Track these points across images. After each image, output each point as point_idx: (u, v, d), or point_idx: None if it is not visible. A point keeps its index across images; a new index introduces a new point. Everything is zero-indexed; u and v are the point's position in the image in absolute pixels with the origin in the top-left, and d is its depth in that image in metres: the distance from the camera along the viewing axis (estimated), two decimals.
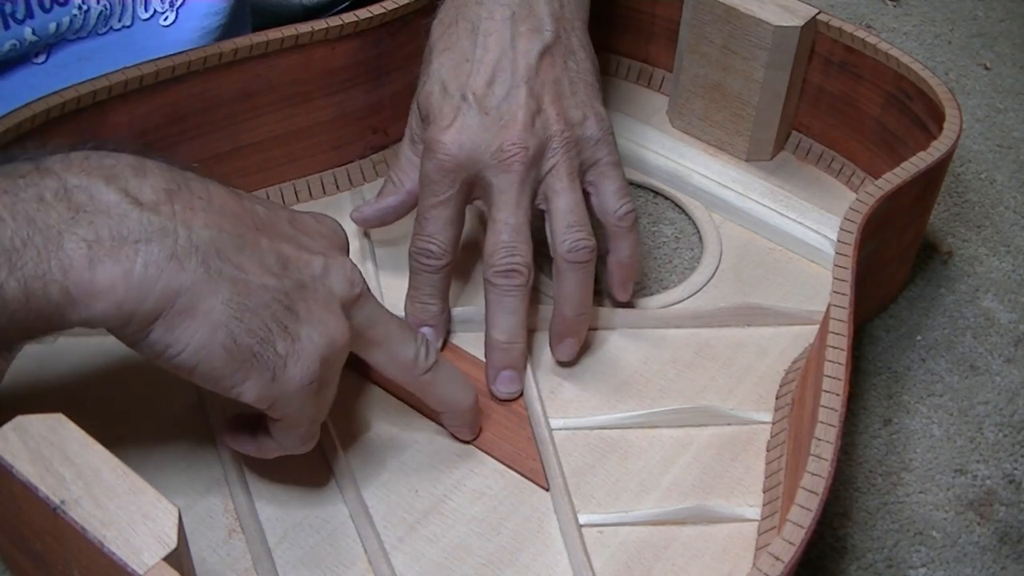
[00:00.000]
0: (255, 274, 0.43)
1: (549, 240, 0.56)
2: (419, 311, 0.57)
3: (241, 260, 0.43)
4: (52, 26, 0.58)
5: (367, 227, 0.62)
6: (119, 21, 0.61)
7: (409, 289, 0.57)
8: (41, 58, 0.60)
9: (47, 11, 0.58)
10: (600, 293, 0.61)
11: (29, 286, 0.39)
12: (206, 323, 0.42)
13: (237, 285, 0.42)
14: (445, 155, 0.54)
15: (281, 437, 0.48)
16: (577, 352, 0.58)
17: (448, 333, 0.59)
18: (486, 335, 0.56)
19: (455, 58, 0.56)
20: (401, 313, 0.58)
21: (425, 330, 0.57)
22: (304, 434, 0.48)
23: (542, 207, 0.56)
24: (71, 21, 0.59)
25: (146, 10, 0.62)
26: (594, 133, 0.56)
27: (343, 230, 0.50)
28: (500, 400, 0.56)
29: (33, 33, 0.58)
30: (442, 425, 0.54)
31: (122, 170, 0.42)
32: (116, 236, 0.40)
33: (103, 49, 0.61)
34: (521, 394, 0.56)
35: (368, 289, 0.48)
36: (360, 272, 0.48)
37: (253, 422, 0.49)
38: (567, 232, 0.55)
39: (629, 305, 0.61)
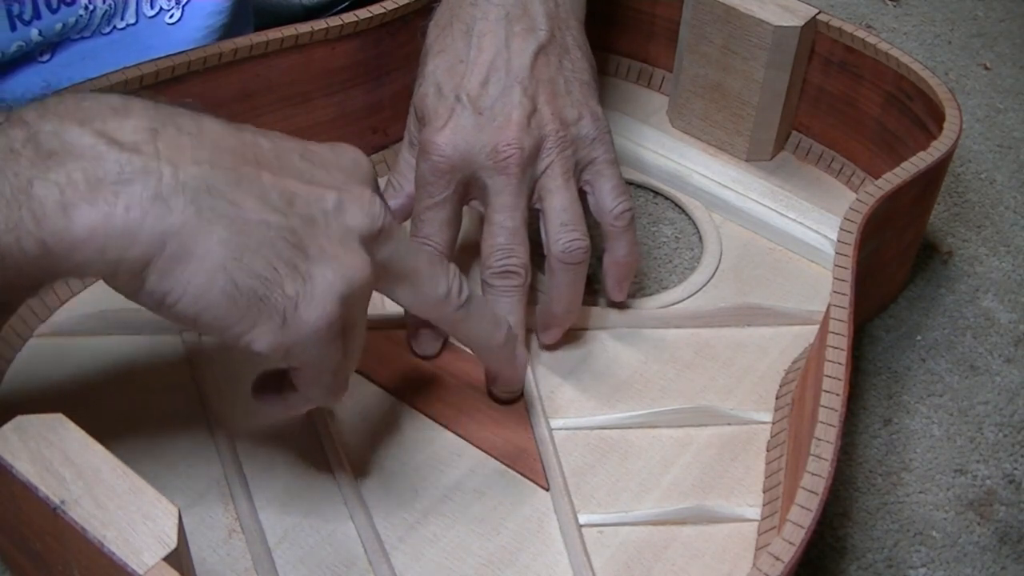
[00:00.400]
0: (254, 211, 0.40)
1: (543, 239, 0.56)
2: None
3: (237, 196, 0.39)
4: (58, 26, 0.58)
5: None
6: (123, 19, 0.61)
7: None
8: (46, 57, 0.60)
9: (54, 11, 0.58)
10: (595, 292, 0.61)
11: (1, 240, 0.36)
12: (202, 267, 0.38)
13: (234, 224, 0.39)
14: (439, 156, 0.54)
15: (306, 389, 0.44)
16: (559, 337, 0.58)
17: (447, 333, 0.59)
18: None
19: (449, 59, 0.56)
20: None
21: (425, 331, 0.57)
22: (331, 384, 0.44)
23: (537, 206, 0.56)
24: (77, 20, 0.58)
25: (151, 7, 0.62)
26: (590, 132, 0.56)
27: (368, 162, 0.46)
28: (503, 402, 0.56)
29: (39, 34, 0.58)
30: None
31: (100, 111, 0.39)
32: (92, 180, 0.37)
33: (108, 47, 0.61)
34: (521, 395, 0.56)
35: (393, 222, 0.44)
36: (384, 204, 0.44)
37: (280, 378, 0.46)
38: (561, 232, 0.55)
39: (624, 305, 0.61)
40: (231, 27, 0.65)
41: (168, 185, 0.38)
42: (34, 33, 0.57)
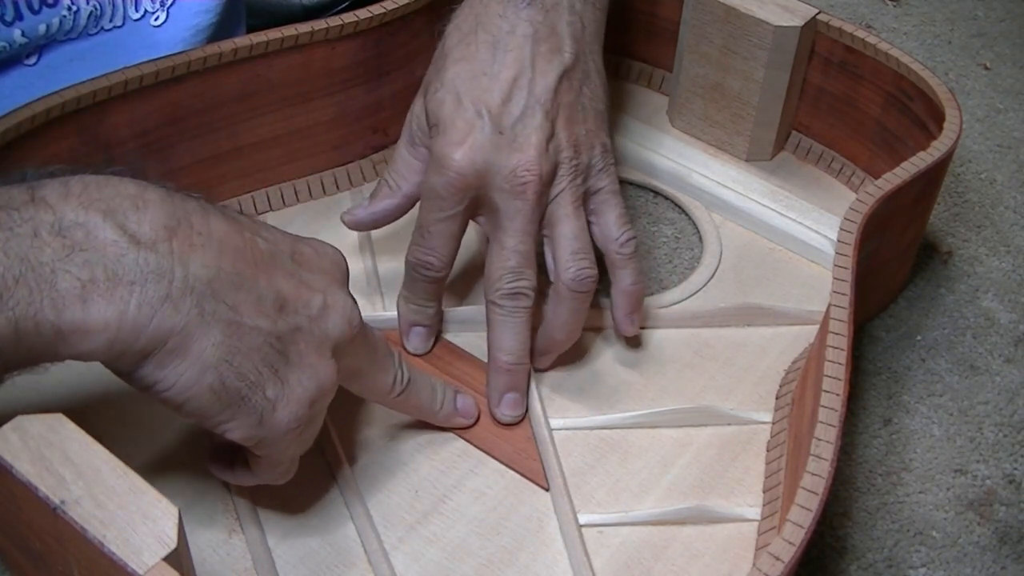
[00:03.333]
0: (249, 316, 0.43)
1: (550, 266, 0.55)
2: (413, 313, 0.57)
3: (236, 300, 0.42)
4: (42, 28, 0.58)
5: (359, 230, 0.61)
6: (110, 22, 0.61)
7: (403, 291, 0.57)
8: (32, 59, 0.59)
9: (36, 13, 0.57)
10: (602, 295, 0.61)
11: (20, 325, 0.38)
12: (196, 364, 0.41)
13: (230, 327, 0.42)
14: (456, 173, 0.53)
15: (260, 471, 0.48)
16: (552, 361, 0.58)
17: (439, 331, 0.59)
18: (490, 356, 0.55)
19: (472, 70, 0.55)
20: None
21: (418, 330, 0.57)
22: (283, 471, 0.48)
23: (544, 233, 0.55)
24: (61, 22, 0.58)
25: (136, 10, 0.61)
26: (598, 162, 0.56)
27: (344, 260, 0.49)
28: (505, 425, 0.56)
29: (23, 35, 0.57)
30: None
31: (120, 203, 0.41)
32: (111, 276, 0.40)
33: (94, 50, 0.61)
34: (524, 418, 0.56)
35: (362, 325, 0.48)
36: (357, 308, 0.47)
37: (231, 449, 0.49)
38: (572, 260, 0.54)
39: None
40: (221, 26, 0.65)
41: (178, 288, 0.41)
42: (17, 34, 0.57)
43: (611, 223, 0.56)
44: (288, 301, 0.44)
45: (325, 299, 0.46)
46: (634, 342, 0.60)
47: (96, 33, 0.61)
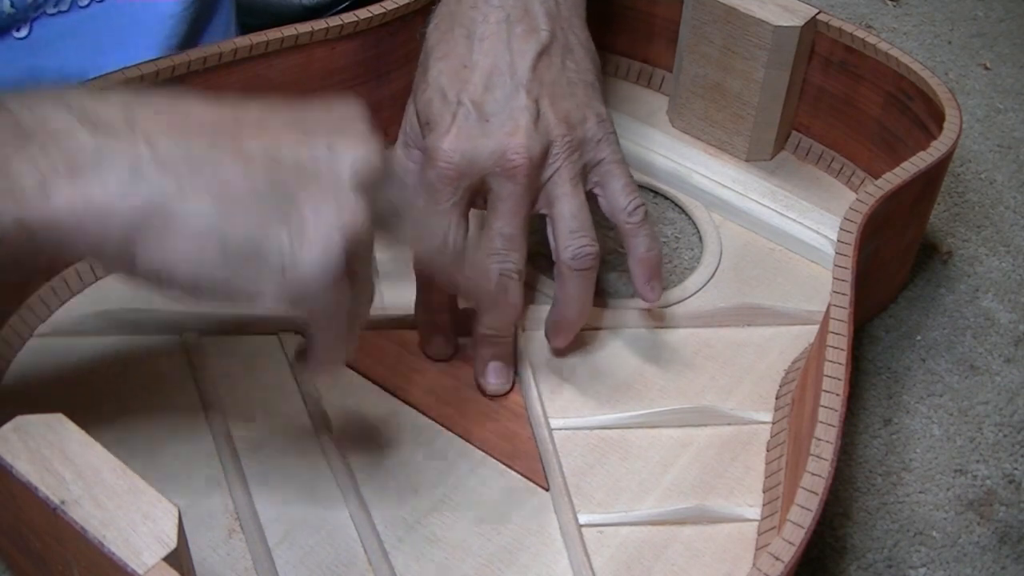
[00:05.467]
0: (236, 173, 0.40)
1: (552, 245, 0.55)
2: (423, 319, 0.57)
3: (217, 163, 0.39)
4: None
5: None
6: None
7: (418, 295, 0.57)
8: (23, 32, 0.58)
9: None
10: (601, 293, 0.61)
11: None
12: (190, 232, 0.39)
13: (215, 188, 0.39)
14: (446, 163, 0.53)
15: (320, 339, 0.44)
16: (570, 340, 0.58)
17: (457, 339, 0.59)
18: (474, 330, 0.56)
19: (452, 64, 0.56)
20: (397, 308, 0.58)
21: (439, 336, 0.57)
22: (342, 333, 0.44)
23: (544, 211, 0.55)
24: None
25: None
26: (595, 133, 0.56)
27: (359, 107, 0.45)
28: (491, 396, 0.56)
29: (11, 5, 0.56)
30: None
31: (79, 94, 0.39)
32: (70, 159, 0.37)
33: (87, 22, 0.60)
34: (511, 390, 0.56)
35: (390, 165, 0.44)
36: (380, 149, 0.43)
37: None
38: (570, 238, 0.54)
39: (630, 305, 0.61)
40: (207, 3, 0.64)
41: (146, 160, 0.38)
42: (6, 5, 0.56)
43: (617, 193, 0.56)
44: (283, 151, 0.41)
45: (331, 142, 0.42)
46: (634, 342, 0.60)
47: (87, 5, 0.60)
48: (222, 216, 0.39)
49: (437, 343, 0.58)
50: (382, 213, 0.43)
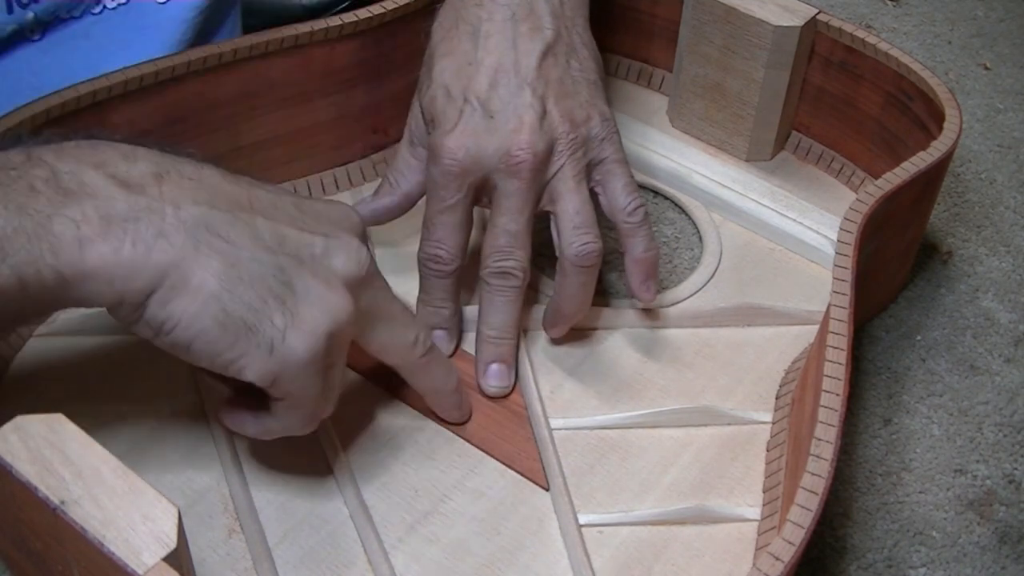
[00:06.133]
0: (247, 248, 0.43)
1: (555, 242, 0.55)
2: (431, 315, 0.57)
3: (232, 234, 0.43)
4: (52, 7, 0.58)
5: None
6: (114, 0, 0.61)
7: (420, 294, 0.57)
8: (36, 35, 0.59)
9: None
10: (600, 293, 0.61)
11: (22, 272, 0.39)
12: (198, 296, 0.42)
13: (228, 258, 0.42)
14: (451, 160, 0.54)
15: (284, 417, 0.47)
16: (566, 332, 0.58)
17: (460, 335, 0.59)
18: (477, 330, 0.56)
19: (457, 62, 0.56)
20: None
21: (438, 333, 0.57)
22: (306, 417, 0.47)
23: (547, 208, 0.55)
24: (70, 1, 0.58)
25: None
26: (599, 132, 0.56)
27: (356, 214, 0.49)
28: (492, 397, 0.56)
29: (35, 18, 0.58)
30: (429, 413, 0.55)
31: (111, 157, 0.43)
32: (104, 217, 0.41)
33: (98, 26, 0.61)
34: (512, 391, 0.56)
35: (376, 270, 0.48)
36: (369, 252, 0.47)
37: (253, 401, 0.48)
38: (574, 235, 0.54)
39: (628, 305, 0.61)
40: (217, 5, 0.65)
41: (170, 223, 0.42)
42: (30, 16, 0.57)
43: (617, 192, 0.56)
44: (288, 238, 0.45)
45: (328, 240, 0.46)
46: (634, 342, 0.60)
47: (100, 11, 0.61)
48: (229, 286, 0.42)
49: (436, 341, 0.57)
50: (363, 312, 0.47)
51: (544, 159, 0.54)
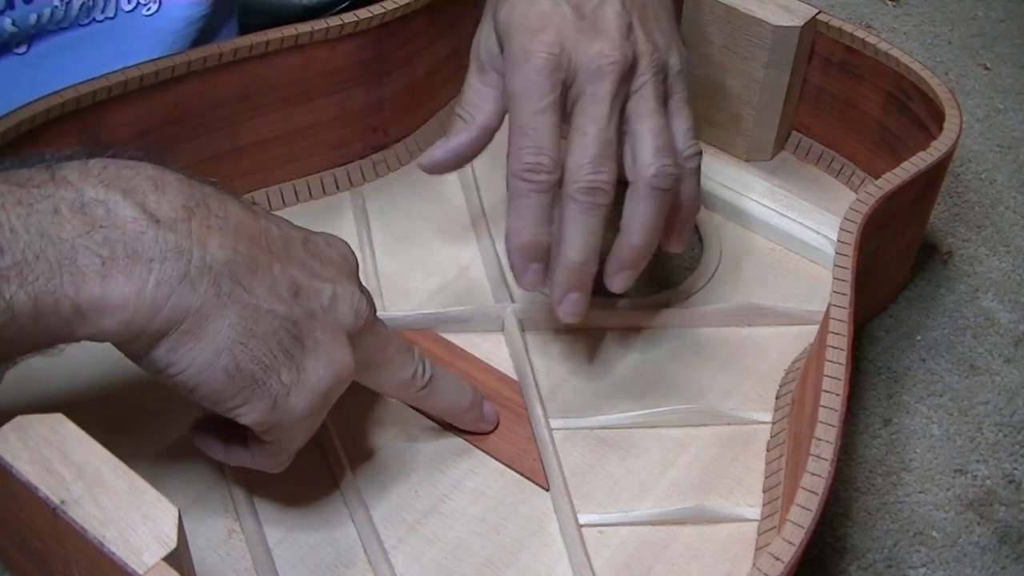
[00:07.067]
0: (265, 299, 0.43)
1: (628, 163, 0.52)
2: (532, 247, 0.52)
3: (252, 283, 0.42)
4: (33, 17, 0.57)
5: (441, 171, 0.56)
6: (102, 13, 0.60)
7: (514, 220, 0.51)
8: (22, 48, 0.59)
9: (28, 2, 0.57)
10: (605, 294, 0.61)
11: (40, 300, 0.38)
12: (210, 345, 0.41)
13: (246, 310, 0.42)
14: (547, 53, 0.50)
15: (261, 457, 0.47)
16: (632, 281, 0.54)
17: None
18: (558, 253, 0.51)
19: None
20: (403, 307, 0.58)
21: (534, 266, 0.52)
22: (286, 459, 0.48)
23: (623, 128, 0.52)
24: (52, 13, 0.58)
25: (129, 2, 0.61)
26: (676, 63, 0.54)
27: (353, 254, 0.49)
28: (562, 322, 0.53)
29: (13, 24, 0.57)
30: (448, 427, 0.54)
31: (141, 183, 0.41)
32: (131, 253, 0.40)
33: (86, 39, 0.60)
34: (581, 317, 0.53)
35: (374, 314, 0.47)
36: (367, 299, 0.47)
37: (225, 427, 0.48)
38: (656, 156, 0.51)
39: (624, 304, 0.61)
40: (212, 19, 0.65)
41: (196, 268, 0.41)
42: (7, 24, 0.57)
43: (680, 133, 0.54)
44: (301, 288, 0.44)
45: (335, 288, 0.46)
46: (634, 342, 0.60)
47: (88, 24, 0.60)
48: (243, 339, 0.42)
49: (532, 274, 0.53)
50: (360, 360, 0.47)
51: (631, 70, 0.52)
